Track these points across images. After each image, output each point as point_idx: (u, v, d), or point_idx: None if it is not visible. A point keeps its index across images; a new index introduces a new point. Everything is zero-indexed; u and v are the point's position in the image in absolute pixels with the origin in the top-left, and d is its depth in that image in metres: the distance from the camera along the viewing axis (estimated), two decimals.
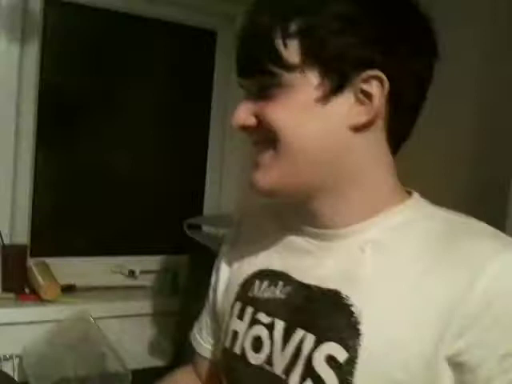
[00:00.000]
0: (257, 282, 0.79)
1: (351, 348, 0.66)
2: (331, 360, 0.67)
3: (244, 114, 0.72)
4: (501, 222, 1.16)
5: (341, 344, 0.66)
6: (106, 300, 1.65)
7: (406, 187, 0.77)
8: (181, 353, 1.51)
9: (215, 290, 0.89)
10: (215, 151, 1.96)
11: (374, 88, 0.68)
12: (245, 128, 0.73)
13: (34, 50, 1.62)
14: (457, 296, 0.63)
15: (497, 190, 1.23)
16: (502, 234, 0.69)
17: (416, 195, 0.76)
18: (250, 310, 0.78)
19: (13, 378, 1.41)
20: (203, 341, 0.94)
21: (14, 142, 1.61)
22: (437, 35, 0.72)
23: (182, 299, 1.63)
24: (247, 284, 0.81)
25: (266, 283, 0.78)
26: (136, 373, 1.52)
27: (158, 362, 1.69)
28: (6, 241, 1.60)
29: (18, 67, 1.59)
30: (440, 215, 0.72)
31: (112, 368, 1.52)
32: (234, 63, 0.74)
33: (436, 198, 0.75)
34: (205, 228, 1.71)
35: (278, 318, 0.74)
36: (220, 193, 1.96)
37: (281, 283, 0.76)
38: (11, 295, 1.58)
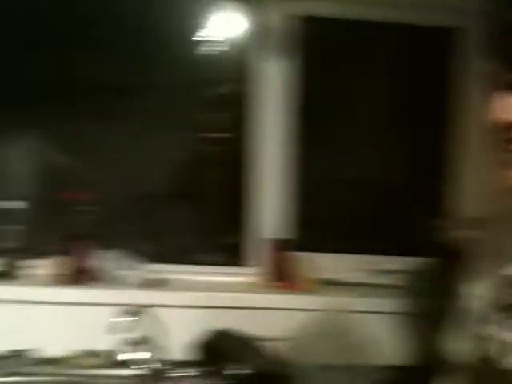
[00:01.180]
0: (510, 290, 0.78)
1: None
2: None
3: None
4: None
5: None
6: (358, 295, 1.75)
7: None
8: (427, 354, 1.50)
9: (468, 298, 0.89)
10: (454, 152, 1.94)
11: None
12: None
13: (296, 64, 1.85)
14: None
15: None
16: None
17: None
18: (501, 316, 0.77)
19: (276, 358, 1.58)
20: (456, 348, 0.93)
21: (282, 145, 1.87)
22: None
23: (428, 301, 1.61)
24: (499, 290, 0.80)
25: None
26: (383, 368, 1.56)
27: (405, 361, 1.70)
28: (276, 235, 1.86)
29: (285, 82, 1.85)
30: None
31: (362, 361, 1.60)
32: None
33: None
34: (450, 231, 1.65)
35: None
36: (461, 195, 1.94)
37: None
38: (277, 283, 1.78)
